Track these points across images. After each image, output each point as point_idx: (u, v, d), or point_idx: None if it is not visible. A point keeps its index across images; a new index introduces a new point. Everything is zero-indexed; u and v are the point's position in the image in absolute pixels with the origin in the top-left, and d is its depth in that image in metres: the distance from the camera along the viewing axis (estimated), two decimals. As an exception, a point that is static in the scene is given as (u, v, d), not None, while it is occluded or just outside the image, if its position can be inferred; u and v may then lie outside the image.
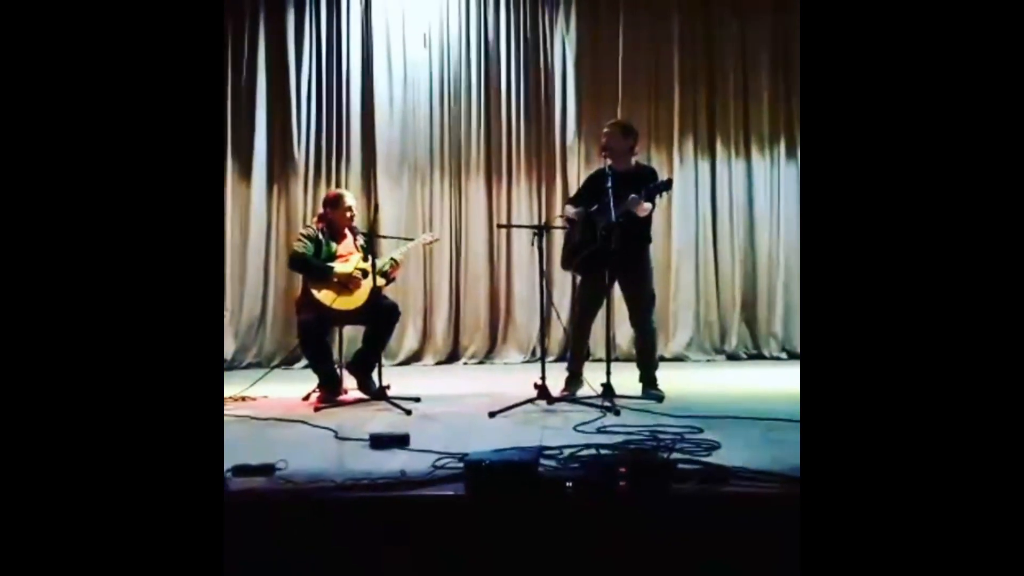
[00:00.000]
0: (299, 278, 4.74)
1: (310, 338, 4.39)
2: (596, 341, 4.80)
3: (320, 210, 4.73)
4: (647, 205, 4.21)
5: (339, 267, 4.44)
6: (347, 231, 4.59)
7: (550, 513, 2.24)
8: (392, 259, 4.61)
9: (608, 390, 4.01)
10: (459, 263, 6.71)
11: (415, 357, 6.58)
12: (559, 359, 5.96)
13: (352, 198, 4.65)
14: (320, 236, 4.49)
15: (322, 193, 6.48)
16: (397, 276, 4.76)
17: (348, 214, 4.55)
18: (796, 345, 6.48)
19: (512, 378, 5.17)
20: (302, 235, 4.56)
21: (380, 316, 4.48)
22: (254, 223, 6.55)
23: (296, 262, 4.47)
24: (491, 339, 6.68)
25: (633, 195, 4.10)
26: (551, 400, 4.03)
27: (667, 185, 4.26)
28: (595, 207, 4.24)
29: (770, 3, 6.71)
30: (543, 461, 2.51)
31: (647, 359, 4.43)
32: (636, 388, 4.34)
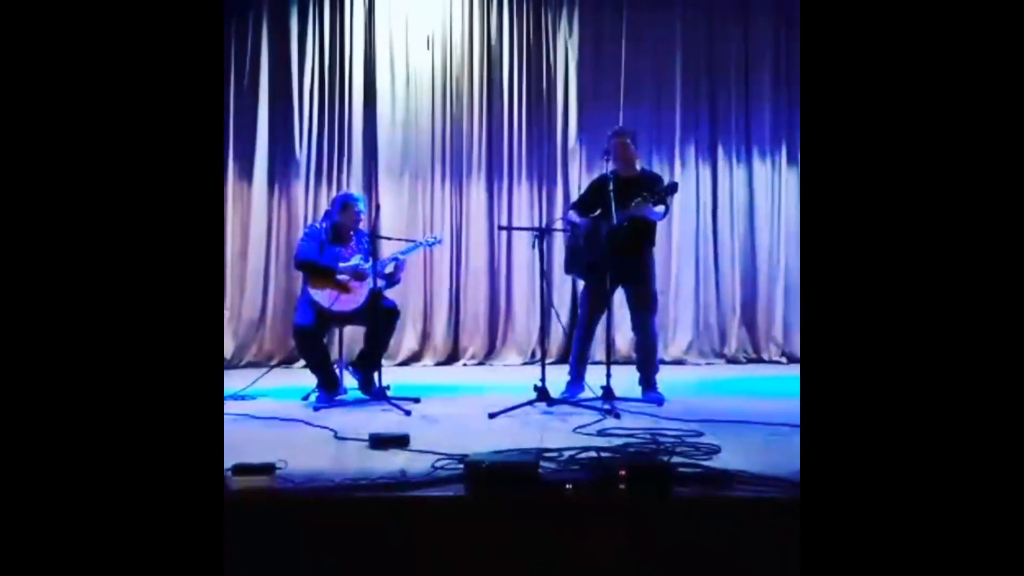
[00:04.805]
0: (298, 278, 4.74)
1: (306, 341, 4.40)
2: (596, 343, 4.80)
3: (323, 211, 4.73)
4: (661, 208, 4.22)
5: (344, 266, 4.45)
6: (351, 233, 4.60)
7: (550, 515, 2.24)
8: (395, 258, 4.60)
9: (608, 393, 4.02)
10: (459, 264, 6.70)
11: (415, 358, 6.57)
12: (559, 361, 5.97)
13: (363, 203, 4.66)
14: (324, 236, 4.50)
15: (323, 194, 6.53)
16: (402, 277, 4.76)
17: (357, 217, 4.57)
18: (796, 349, 6.48)
19: (512, 379, 5.16)
20: (307, 234, 4.58)
21: (380, 317, 4.49)
22: (255, 223, 6.55)
23: (303, 261, 4.47)
24: (491, 340, 6.67)
25: (639, 198, 4.10)
26: (551, 402, 4.04)
27: (674, 188, 4.27)
28: (599, 212, 4.25)
29: (772, 7, 6.72)
30: (543, 463, 2.50)
31: (647, 362, 4.43)
32: (636, 391, 4.34)
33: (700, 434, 3.20)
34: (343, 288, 4.42)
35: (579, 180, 6.52)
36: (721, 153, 6.77)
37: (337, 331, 4.73)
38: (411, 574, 2.20)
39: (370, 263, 4.46)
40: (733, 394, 4.86)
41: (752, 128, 6.76)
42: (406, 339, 6.50)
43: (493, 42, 6.72)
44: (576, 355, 4.53)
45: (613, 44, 6.71)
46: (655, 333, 4.48)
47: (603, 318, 4.33)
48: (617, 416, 3.73)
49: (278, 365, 6.25)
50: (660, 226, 4.55)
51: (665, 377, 4.53)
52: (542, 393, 4.02)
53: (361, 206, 4.60)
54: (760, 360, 6.65)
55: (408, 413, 3.97)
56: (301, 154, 6.58)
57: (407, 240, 4.98)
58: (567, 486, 2.30)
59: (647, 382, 4.40)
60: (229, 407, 4.11)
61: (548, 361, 4.45)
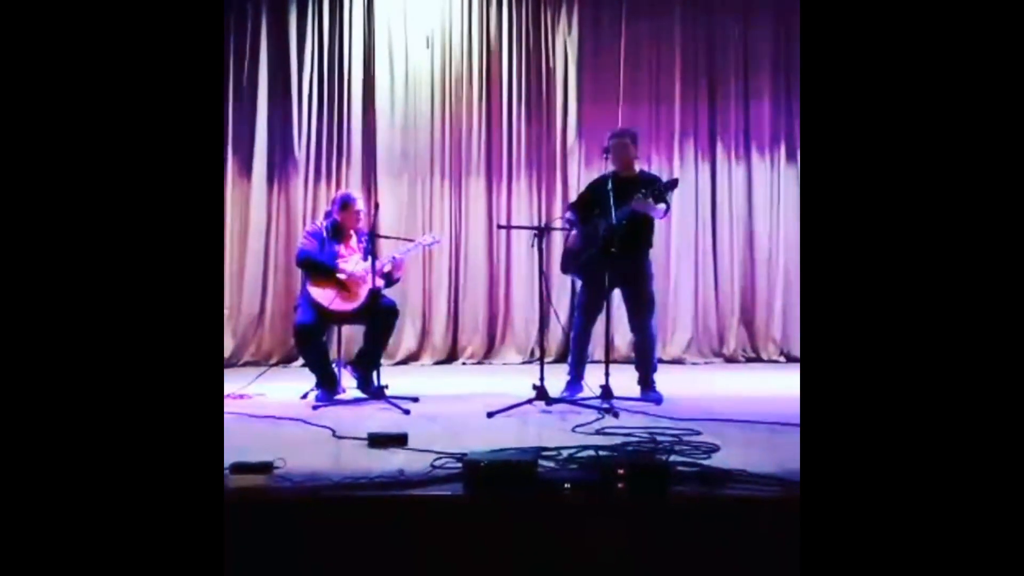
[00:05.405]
0: (298, 276, 4.74)
1: (306, 340, 4.40)
2: (595, 343, 4.80)
3: (324, 210, 4.74)
4: (662, 207, 4.22)
5: (344, 265, 4.45)
6: (351, 232, 4.61)
7: (548, 514, 2.24)
8: (393, 258, 4.61)
9: (607, 392, 4.01)
10: (458, 263, 6.70)
11: (413, 357, 6.57)
12: (558, 360, 5.96)
13: (362, 202, 4.68)
14: (324, 235, 4.51)
15: (322, 192, 6.52)
16: (401, 276, 4.77)
17: (357, 217, 4.58)
18: (794, 349, 6.48)
19: (511, 379, 5.16)
20: (308, 233, 4.59)
21: (379, 316, 4.49)
22: (254, 221, 6.55)
23: (303, 258, 4.48)
24: (489, 340, 6.67)
25: (638, 195, 4.10)
26: (549, 401, 4.03)
27: (674, 184, 4.27)
28: (597, 211, 4.24)
29: (772, 5, 6.72)
30: (541, 462, 2.50)
31: (646, 361, 4.43)
32: (635, 390, 4.34)
33: (699, 433, 3.20)
34: (343, 287, 4.42)
35: (578, 179, 6.52)
36: (720, 151, 6.76)
37: (336, 330, 4.73)
38: (409, 573, 2.20)
39: (369, 262, 4.46)
40: (732, 393, 4.86)
41: (751, 126, 6.75)
42: (405, 338, 6.50)
43: (493, 41, 6.71)
44: (574, 355, 4.53)
45: (612, 43, 6.70)
46: (653, 334, 4.48)
47: (601, 317, 4.32)
48: (616, 415, 3.73)
49: (277, 364, 6.25)
50: (659, 224, 4.55)
51: (663, 376, 4.53)
52: (541, 392, 4.02)
53: (360, 205, 4.62)
54: (759, 359, 6.65)
55: (407, 412, 3.97)
56: (300, 152, 6.58)
57: (406, 239, 4.98)
58: (565, 485, 2.30)
59: (645, 381, 4.40)
60: (228, 406, 4.11)
61: (547, 360, 4.45)
